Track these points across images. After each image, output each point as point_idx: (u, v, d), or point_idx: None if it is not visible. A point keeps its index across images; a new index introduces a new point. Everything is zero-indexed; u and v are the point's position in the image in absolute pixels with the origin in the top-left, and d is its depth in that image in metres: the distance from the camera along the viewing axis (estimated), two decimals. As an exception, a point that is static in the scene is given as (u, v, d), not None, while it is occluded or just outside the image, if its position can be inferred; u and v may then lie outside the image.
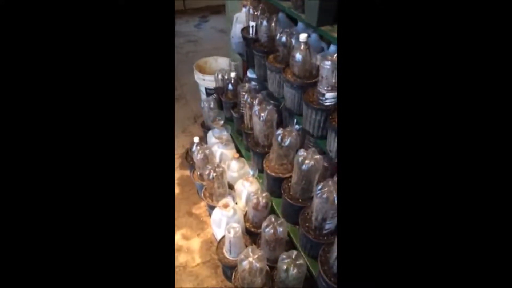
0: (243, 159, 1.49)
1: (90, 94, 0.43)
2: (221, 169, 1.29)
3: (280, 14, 1.46)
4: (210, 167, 1.28)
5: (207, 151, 1.39)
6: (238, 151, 1.58)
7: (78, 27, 0.42)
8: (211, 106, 1.69)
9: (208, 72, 2.13)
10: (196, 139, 1.51)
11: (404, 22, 0.40)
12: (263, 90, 1.66)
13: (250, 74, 1.66)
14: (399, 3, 0.40)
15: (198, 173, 1.47)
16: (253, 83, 1.68)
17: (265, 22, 1.21)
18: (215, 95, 1.95)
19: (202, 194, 1.41)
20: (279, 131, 1.11)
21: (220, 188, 1.33)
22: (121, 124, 0.44)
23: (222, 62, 2.11)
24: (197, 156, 1.39)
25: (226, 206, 1.22)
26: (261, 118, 1.19)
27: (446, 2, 0.39)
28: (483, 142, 0.39)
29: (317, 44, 1.28)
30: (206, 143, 1.81)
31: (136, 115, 0.45)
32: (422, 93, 0.40)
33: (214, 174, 1.29)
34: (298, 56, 1.00)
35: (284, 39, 1.12)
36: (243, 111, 1.45)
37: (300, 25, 1.35)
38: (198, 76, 1.93)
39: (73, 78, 0.42)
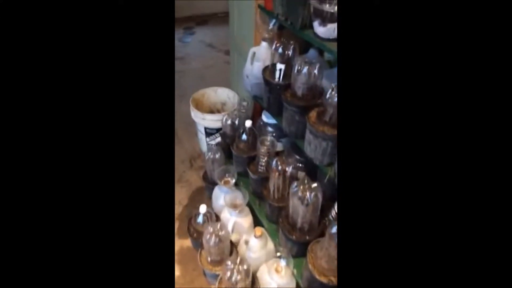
0: (265, 233, 1.17)
1: (87, 97, 0.43)
2: (242, 259, 0.96)
3: (311, 51, 1.16)
4: (229, 262, 0.94)
5: (222, 233, 1.05)
6: (255, 219, 1.26)
7: (78, 28, 0.42)
8: (217, 157, 1.36)
9: (206, 106, 1.78)
10: (202, 209, 1.17)
11: (404, 23, 0.41)
12: (282, 136, 1.35)
13: (266, 118, 1.35)
14: (399, 3, 0.41)
15: (209, 258, 1.12)
16: (269, 129, 1.37)
17: (305, 70, 0.90)
18: (218, 137, 1.61)
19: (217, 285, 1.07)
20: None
21: (242, 281, 1.00)
22: (119, 135, 0.44)
23: (222, 94, 1.77)
24: (209, 240, 1.04)
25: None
26: (305, 202, 0.88)
27: (446, 2, 0.39)
28: (483, 142, 0.39)
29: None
30: (210, 198, 1.47)
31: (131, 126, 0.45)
32: (423, 98, 0.41)
33: (233, 266, 0.96)
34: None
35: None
36: (267, 175, 1.13)
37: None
38: (196, 115, 1.58)
39: (72, 79, 0.42)
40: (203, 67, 2.68)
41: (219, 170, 1.30)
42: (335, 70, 1.09)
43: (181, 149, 1.84)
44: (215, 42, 3.09)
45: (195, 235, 1.23)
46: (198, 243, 1.22)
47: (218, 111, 1.81)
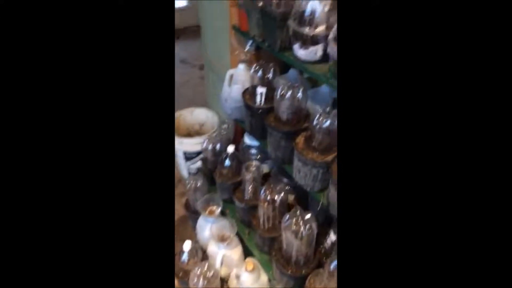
0: (257, 265, 1.10)
1: (86, 96, 0.43)
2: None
3: (291, 71, 1.13)
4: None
5: (210, 274, 0.96)
6: (245, 249, 1.18)
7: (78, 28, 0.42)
8: (199, 185, 1.27)
9: (183, 129, 1.69)
10: (187, 246, 1.07)
11: (404, 23, 0.40)
12: (267, 158, 1.29)
13: (249, 140, 1.29)
14: (399, 3, 0.40)
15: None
16: (253, 151, 1.31)
17: (288, 94, 0.86)
18: (198, 161, 1.53)
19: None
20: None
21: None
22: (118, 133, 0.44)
23: (199, 114, 1.70)
24: (196, 283, 0.95)
25: None
26: (300, 236, 0.82)
27: (446, 2, 0.39)
28: (483, 142, 0.38)
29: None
30: (194, 228, 1.37)
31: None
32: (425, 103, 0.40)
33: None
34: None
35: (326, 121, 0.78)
36: (255, 203, 1.07)
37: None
38: (176, 141, 1.49)
39: (71, 79, 0.42)
40: (177, 84, 2.58)
41: (203, 199, 1.22)
42: (319, 89, 1.06)
43: (159, 175, 1.74)
44: (188, 57, 3.02)
45: (181, 274, 1.13)
46: (185, 282, 1.12)
47: (197, 133, 1.73)
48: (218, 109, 1.65)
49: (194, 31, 3.55)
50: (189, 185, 1.27)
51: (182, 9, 3.41)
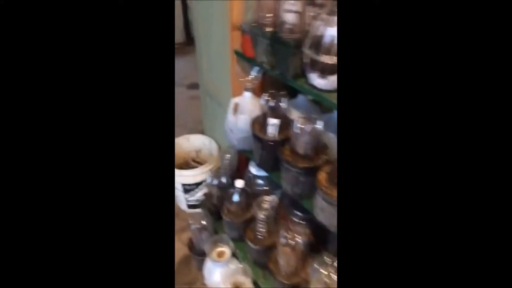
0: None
1: (86, 97, 0.42)
2: None
3: (300, 97, 1.05)
4: None
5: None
6: (261, 293, 1.07)
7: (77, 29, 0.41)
8: (203, 223, 1.15)
9: (179, 157, 1.57)
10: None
11: (404, 23, 0.40)
12: (276, 188, 1.20)
13: (255, 170, 1.19)
14: (399, 3, 0.40)
15: None
16: (259, 181, 1.21)
17: (307, 128, 0.77)
18: (198, 192, 1.41)
19: None
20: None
21: None
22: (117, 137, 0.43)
23: (196, 141, 1.59)
24: None
25: None
26: (330, 283, 0.72)
27: (447, 2, 0.39)
28: (482, 143, 0.38)
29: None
30: (199, 270, 1.24)
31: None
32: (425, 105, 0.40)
33: None
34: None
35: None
36: (270, 243, 0.96)
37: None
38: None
39: (70, 80, 0.42)
40: (166, 106, 2.46)
41: (210, 240, 1.10)
42: (331, 116, 0.99)
43: (155, 209, 1.59)
44: (179, 80, 2.90)
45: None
46: None
47: (194, 160, 1.61)
48: (216, 135, 1.55)
49: (178, 49, 3.46)
50: (192, 228, 1.15)
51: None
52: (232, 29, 0.99)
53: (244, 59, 0.97)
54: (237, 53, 1.00)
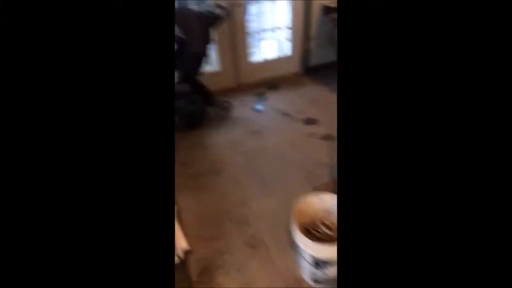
0: None
1: (86, 98, 0.44)
2: None
3: None
4: None
5: None
6: None
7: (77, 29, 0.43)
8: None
9: (307, 216, 1.35)
10: None
11: (405, 23, 0.40)
12: None
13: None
14: (399, 3, 0.40)
15: None
16: None
17: None
18: (329, 269, 1.15)
19: None
20: None
21: None
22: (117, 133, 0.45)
23: (328, 201, 1.35)
24: None
25: None
26: None
27: (447, 2, 0.39)
28: (483, 143, 0.38)
29: None
30: None
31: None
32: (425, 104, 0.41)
33: None
34: None
35: None
36: None
37: None
38: (301, 240, 1.16)
39: (70, 80, 0.43)
40: (283, 142, 2.34)
41: None
42: None
43: (273, 270, 1.38)
44: (290, 110, 2.77)
45: None
46: None
47: (322, 223, 1.37)
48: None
49: (293, 80, 3.38)
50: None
51: (281, 58, 3.30)
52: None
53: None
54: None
